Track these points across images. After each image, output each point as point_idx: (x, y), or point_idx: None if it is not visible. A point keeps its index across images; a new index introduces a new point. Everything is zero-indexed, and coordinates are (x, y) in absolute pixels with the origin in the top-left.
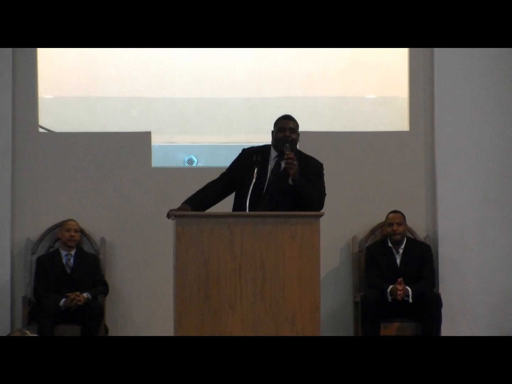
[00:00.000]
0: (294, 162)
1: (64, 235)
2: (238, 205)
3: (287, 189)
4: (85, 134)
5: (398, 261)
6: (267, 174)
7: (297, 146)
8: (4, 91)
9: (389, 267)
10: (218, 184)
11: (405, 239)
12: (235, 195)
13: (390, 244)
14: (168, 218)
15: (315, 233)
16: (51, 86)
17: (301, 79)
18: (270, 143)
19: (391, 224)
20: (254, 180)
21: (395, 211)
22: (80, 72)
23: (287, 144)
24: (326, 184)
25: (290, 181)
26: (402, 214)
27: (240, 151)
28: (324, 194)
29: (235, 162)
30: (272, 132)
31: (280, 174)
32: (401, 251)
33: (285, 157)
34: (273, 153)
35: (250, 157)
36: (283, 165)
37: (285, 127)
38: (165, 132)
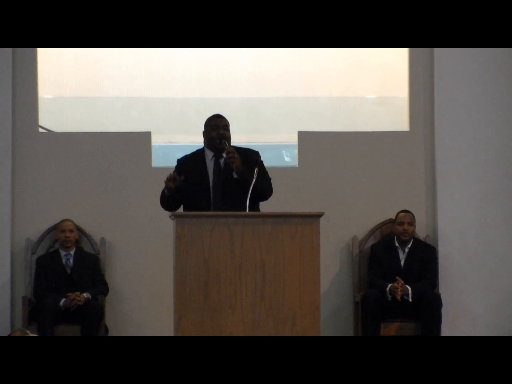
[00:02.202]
0: (236, 155)
1: (59, 236)
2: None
3: (234, 184)
4: (85, 134)
5: (402, 261)
6: (208, 176)
7: (297, 146)
8: (4, 91)
9: (392, 267)
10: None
11: (412, 240)
12: (187, 202)
13: (396, 244)
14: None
15: (315, 233)
16: (51, 86)
17: (301, 79)
18: (202, 146)
19: (401, 224)
20: (254, 181)
21: (405, 211)
22: (80, 72)
23: (224, 140)
24: (326, 184)
25: (234, 175)
26: (412, 214)
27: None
28: (270, 179)
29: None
30: (204, 132)
31: (222, 172)
32: (406, 250)
33: (225, 152)
34: (209, 154)
35: (190, 163)
36: (222, 162)
37: (218, 125)
38: (165, 132)
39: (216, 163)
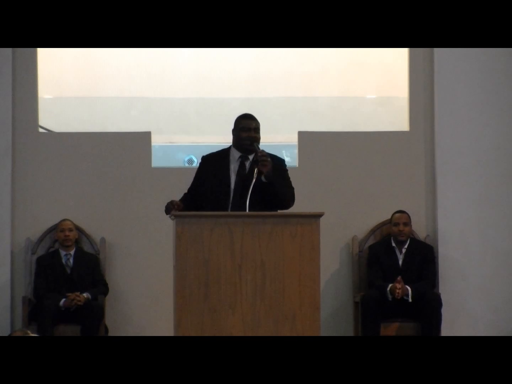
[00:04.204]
0: (269, 159)
1: (59, 236)
2: (217, 210)
3: (258, 187)
4: (85, 134)
5: (400, 261)
6: (230, 176)
7: (297, 146)
8: (4, 91)
9: (391, 267)
10: (192, 201)
11: (409, 240)
12: (207, 202)
13: (393, 244)
14: (167, 213)
15: (315, 233)
16: (51, 86)
17: (301, 79)
18: (229, 145)
19: (397, 224)
20: (254, 181)
21: (401, 211)
22: (80, 72)
23: (256, 143)
24: (326, 184)
25: (263, 179)
26: (408, 215)
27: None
28: (293, 188)
29: (200, 173)
30: (233, 131)
31: (246, 174)
32: (404, 251)
33: (259, 155)
34: (236, 154)
35: (213, 162)
36: (247, 164)
37: (250, 127)
38: (165, 132)
39: (241, 165)
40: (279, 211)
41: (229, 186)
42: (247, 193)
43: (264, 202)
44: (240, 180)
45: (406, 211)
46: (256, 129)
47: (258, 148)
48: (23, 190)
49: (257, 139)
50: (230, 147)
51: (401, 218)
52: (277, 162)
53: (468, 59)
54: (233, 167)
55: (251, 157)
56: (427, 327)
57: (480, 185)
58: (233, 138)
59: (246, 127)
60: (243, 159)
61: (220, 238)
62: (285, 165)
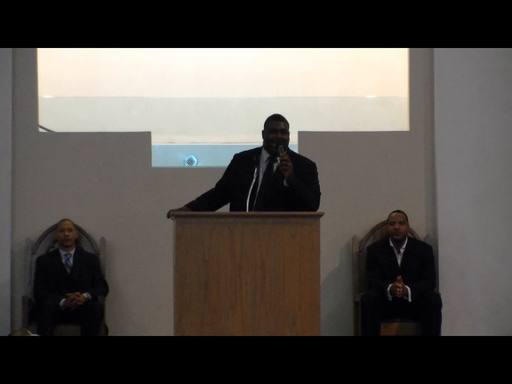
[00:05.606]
0: (289, 164)
1: (59, 236)
2: (235, 208)
3: (281, 190)
4: (85, 134)
5: (399, 261)
6: (259, 176)
7: (297, 146)
8: (4, 91)
9: (390, 267)
10: (214, 197)
11: (407, 239)
12: (231, 199)
13: (391, 244)
14: (168, 217)
15: (315, 233)
16: (51, 86)
17: (301, 79)
18: (261, 145)
19: (393, 223)
20: (254, 181)
21: (397, 211)
22: (80, 72)
23: (281, 146)
24: (326, 184)
25: (285, 183)
26: (405, 214)
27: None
28: (319, 193)
29: (229, 169)
30: (263, 132)
31: (273, 176)
32: (402, 251)
33: (279, 158)
34: (265, 155)
35: (243, 161)
36: (275, 166)
37: (276, 128)
38: (165, 132)
39: (269, 166)
40: (279, 212)
41: (256, 186)
42: (271, 196)
43: (288, 205)
44: (267, 182)
45: (406, 211)
46: (284, 130)
47: (282, 151)
48: (23, 190)
49: (284, 141)
50: (262, 148)
51: (397, 217)
52: (306, 166)
53: (468, 59)
54: (262, 168)
55: (279, 158)
56: (427, 327)
57: (480, 185)
58: (263, 139)
59: (273, 129)
60: (271, 160)
61: (220, 238)
62: (315, 169)
